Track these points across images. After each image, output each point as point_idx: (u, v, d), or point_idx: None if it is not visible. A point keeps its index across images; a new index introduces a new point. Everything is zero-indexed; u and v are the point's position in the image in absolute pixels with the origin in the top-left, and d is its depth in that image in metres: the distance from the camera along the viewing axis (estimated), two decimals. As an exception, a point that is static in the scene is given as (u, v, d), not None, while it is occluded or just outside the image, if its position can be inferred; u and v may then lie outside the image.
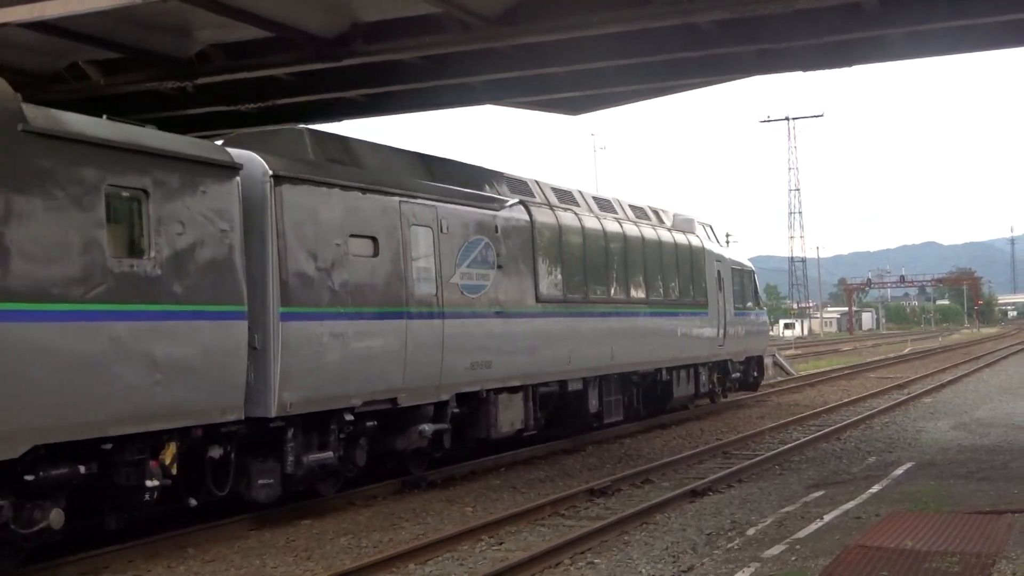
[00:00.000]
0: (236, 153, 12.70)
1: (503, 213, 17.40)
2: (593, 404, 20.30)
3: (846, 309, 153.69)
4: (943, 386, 34.25)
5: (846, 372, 43.02)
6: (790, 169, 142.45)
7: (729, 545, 11.56)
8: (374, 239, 14.35)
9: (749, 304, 29.74)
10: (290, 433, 13.04)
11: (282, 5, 14.25)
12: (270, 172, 12.84)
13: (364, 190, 14.35)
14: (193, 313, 11.73)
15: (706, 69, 18.34)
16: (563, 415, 20.00)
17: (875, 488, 14.84)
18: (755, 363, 30.42)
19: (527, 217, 18.15)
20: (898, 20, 15.33)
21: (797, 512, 13.28)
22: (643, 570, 10.70)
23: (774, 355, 44.67)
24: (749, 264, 30.82)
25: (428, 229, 15.44)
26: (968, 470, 16.39)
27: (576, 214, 20.04)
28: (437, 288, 15.51)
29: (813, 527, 12.22)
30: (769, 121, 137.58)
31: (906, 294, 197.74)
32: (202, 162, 12.07)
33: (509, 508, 14.03)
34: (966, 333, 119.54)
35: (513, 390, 17.32)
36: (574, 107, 21.69)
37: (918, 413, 25.95)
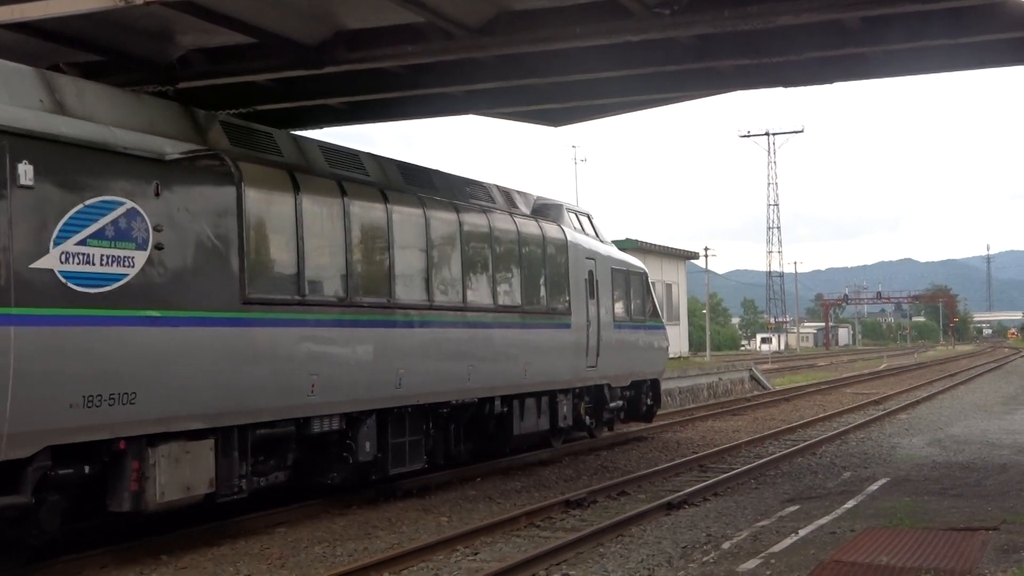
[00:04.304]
0: None
1: (176, 165, 11.86)
2: (366, 450, 14.70)
3: (823, 324, 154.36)
4: (918, 403, 34.43)
5: (822, 387, 43.20)
6: (769, 184, 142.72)
7: (704, 559, 11.57)
8: None
9: (638, 315, 23.85)
10: None
11: (265, 12, 14.20)
12: None
13: None
14: None
15: (687, 83, 18.38)
16: (319, 466, 14.44)
17: (850, 503, 14.88)
18: (648, 388, 24.39)
19: (230, 175, 12.54)
20: (879, 39, 15.40)
21: (772, 526, 13.30)
22: (618, 583, 10.70)
23: (750, 369, 44.87)
24: (639, 264, 24.73)
25: None
26: (942, 487, 16.47)
27: (339, 182, 14.53)
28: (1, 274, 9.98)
29: (788, 542, 12.23)
30: (749, 136, 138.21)
31: (882, 310, 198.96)
32: None
33: (484, 519, 14.01)
34: (941, 350, 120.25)
35: (192, 435, 11.89)
36: (555, 119, 21.69)
37: (893, 429, 26.06)
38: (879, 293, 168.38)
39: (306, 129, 19.54)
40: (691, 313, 66.38)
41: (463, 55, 15.59)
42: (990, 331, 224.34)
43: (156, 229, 11.38)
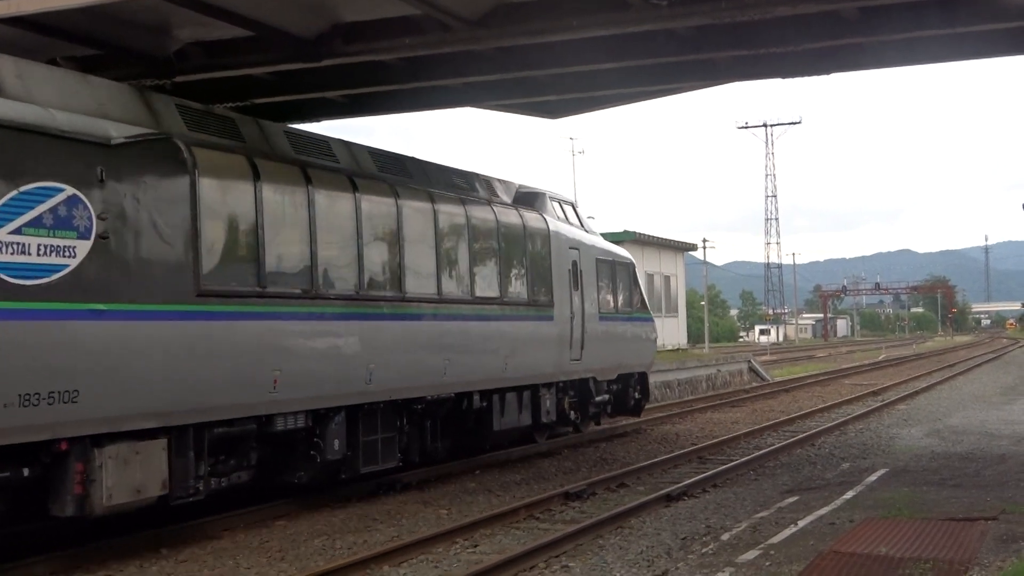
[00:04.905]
0: None
1: (124, 150, 11.17)
2: (334, 448, 14.10)
3: (821, 316, 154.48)
4: (917, 393, 34.43)
5: (821, 378, 43.20)
6: (767, 175, 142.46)
7: (704, 550, 11.57)
8: None
9: (624, 307, 23.18)
10: None
11: (262, 5, 14.21)
12: None
13: None
14: None
15: (685, 75, 18.40)
16: (285, 465, 13.89)
17: (849, 494, 14.89)
18: (636, 381, 23.58)
19: (183, 161, 11.88)
20: (877, 29, 15.41)
21: (771, 517, 13.31)
22: (618, 574, 10.69)
23: (749, 360, 44.90)
24: (626, 255, 23.97)
25: None
26: (941, 477, 16.47)
27: (303, 168, 13.83)
28: None
29: (787, 533, 12.24)
30: (747, 127, 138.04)
31: (881, 301, 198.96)
32: None
33: (484, 511, 14.01)
34: (940, 341, 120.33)
35: (143, 435, 11.24)
36: (553, 111, 21.70)
37: (892, 420, 26.07)
38: (877, 284, 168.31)
39: (304, 122, 19.56)
40: (689, 305, 66.43)
41: (460, 47, 15.60)
42: (988, 322, 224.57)
43: (100, 217, 10.70)
